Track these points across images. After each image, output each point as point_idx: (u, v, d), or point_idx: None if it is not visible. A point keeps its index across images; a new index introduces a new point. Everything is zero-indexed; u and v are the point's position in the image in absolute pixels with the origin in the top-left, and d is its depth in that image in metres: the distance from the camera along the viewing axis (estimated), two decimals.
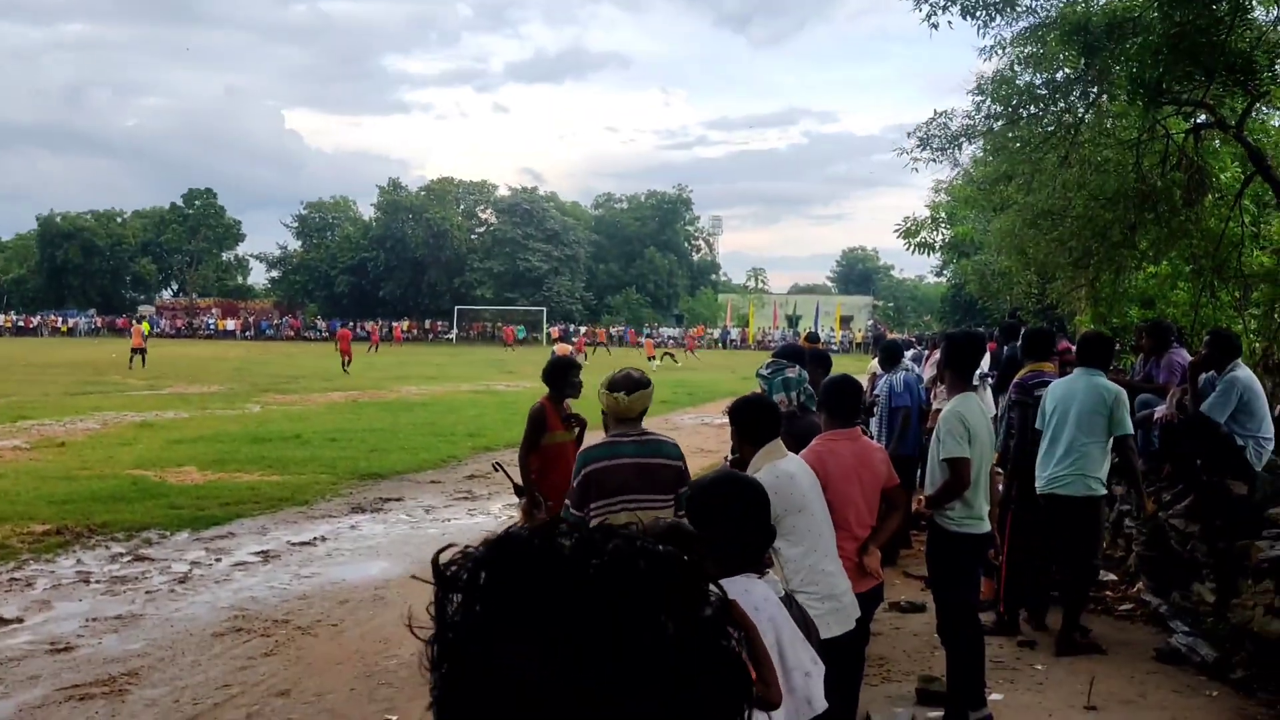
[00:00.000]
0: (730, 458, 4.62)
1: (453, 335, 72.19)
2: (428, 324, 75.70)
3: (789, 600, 2.82)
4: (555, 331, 64.82)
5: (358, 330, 57.21)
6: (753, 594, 2.64)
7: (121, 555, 8.58)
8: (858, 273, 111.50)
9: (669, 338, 71.89)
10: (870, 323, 70.58)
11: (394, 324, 67.38)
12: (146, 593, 7.55)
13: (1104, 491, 6.38)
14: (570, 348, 30.81)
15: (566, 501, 4.45)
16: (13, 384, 25.07)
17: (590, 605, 0.69)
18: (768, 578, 2.81)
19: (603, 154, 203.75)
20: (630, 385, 4.46)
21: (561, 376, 6.58)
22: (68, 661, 6.08)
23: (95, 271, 78.68)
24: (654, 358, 42.63)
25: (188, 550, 8.82)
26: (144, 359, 34.03)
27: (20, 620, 6.78)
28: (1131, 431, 6.45)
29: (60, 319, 69.34)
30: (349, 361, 34.15)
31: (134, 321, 51.88)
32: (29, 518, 9.48)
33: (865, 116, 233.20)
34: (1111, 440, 6.31)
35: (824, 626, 3.92)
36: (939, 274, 34.57)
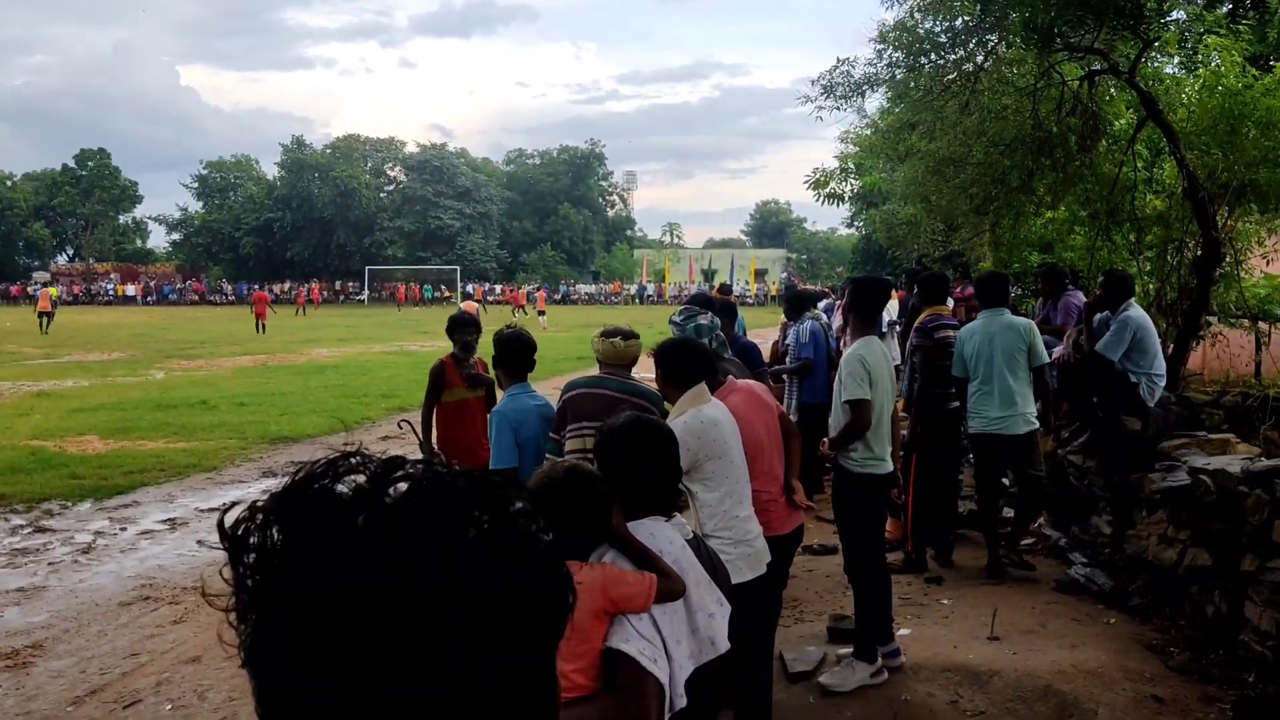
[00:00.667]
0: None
1: (364, 296, 70.92)
2: (338, 285, 74.21)
3: (697, 543, 2.85)
4: (479, 291, 63.85)
5: (271, 293, 55.97)
6: (657, 537, 2.66)
7: (22, 527, 8.31)
8: (771, 226, 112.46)
9: (585, 294, 71.77)
10: (784, 275, 71.32)
11: (302, 286, 65.59)
12: (49, 564, 7.34)
13: (1038, 423, 6.75)
14: (476, 305, 30.56)
15: (551, 434, 4.61)
16: None
17: (386, 533, 0.71)
18: (674, 520, 2.83)
19: (513, 109, 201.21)
20: (625, 335, 4.71)
21: (452, 332, 6.66)
22: None
23: None
24: (543, 312, 42.59)
25: (91, 520, 8.58)
26: (48, 323, 33.20)
27: None
28: (1048, 361, 6.78)
29: None
30: (263, 325, 33.68)
31: (39, 286, 50.08)
32: None
33: (776, 69, 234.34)
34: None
35: (736, 571, 3.98)
36: (850, 225, 35.01)
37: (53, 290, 40.91)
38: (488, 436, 6.44)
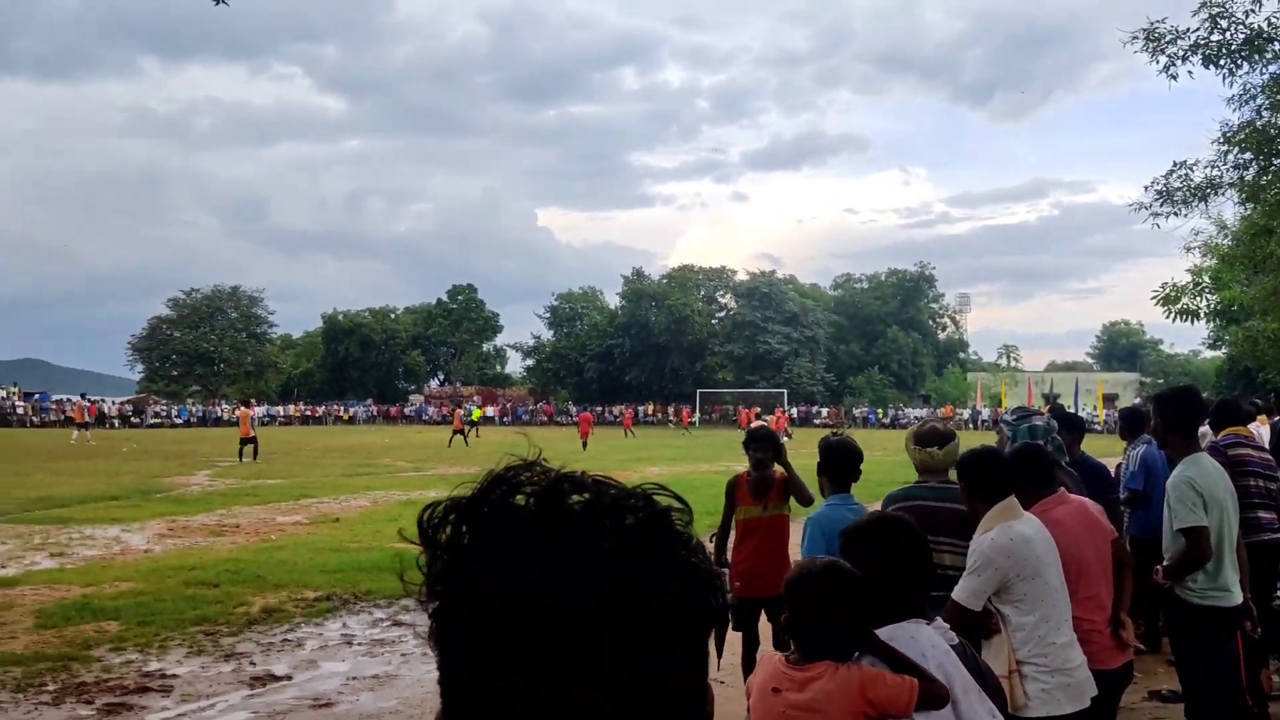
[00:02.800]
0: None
1: (695, 418, 73.08)
2: (670, 408, 77.08)
3: (962, 648, 2.72)
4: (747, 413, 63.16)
5: (604, 415, 59.92)
6: (919, 640, 2.58)
7: (382, 620, 9.23)
8: (1121, 348, 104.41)
9: (914, 418, 69.74)
10: (1137, 400, 65.63)
11: (629, 408, 68.12)
12: (402, 655, 8.08)
13: None
14: (762, 423, 31.26)
15: None
16: (299, 467, 27.61)
17: (548, 538, 0.80)
18: (936, 624, 2.72)
19: (841, 235, 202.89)
20: (941, 440, 4.63)
21: (745, 448, 6.55)
22: (328, 716, 6.62)
23: (372, 364, 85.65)
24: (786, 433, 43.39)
25: None
26: (460, 438, 38.93)
27: (289, 678, 7.44)
28: None
29: (342, 408, 75.62)
30: (585, 443, 37.76)
31: (455, 407, 57.29)
32: (303, 585, 10.39)
33: (1122, 184, 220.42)
34: None
35: (1053, 702, 3.72)
36: (1213, 345, 31.84)
37: (476, 412, 46.27)
38: (785, 557, 6.11)
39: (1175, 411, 4.96)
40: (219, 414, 68.29)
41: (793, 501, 6.47)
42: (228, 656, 7.90)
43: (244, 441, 29.48)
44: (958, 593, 3.77)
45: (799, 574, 2.57)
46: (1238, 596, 4.71)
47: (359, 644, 8.42)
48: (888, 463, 29.58)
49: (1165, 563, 4.83)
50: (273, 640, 8.41)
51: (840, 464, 4.94)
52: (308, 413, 73.72)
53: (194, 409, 69.19)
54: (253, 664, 7.72)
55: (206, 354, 78.54)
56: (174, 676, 7.34)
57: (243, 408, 34.03)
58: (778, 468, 6.37)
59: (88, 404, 48.59)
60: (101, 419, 61.91)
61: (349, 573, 11.12)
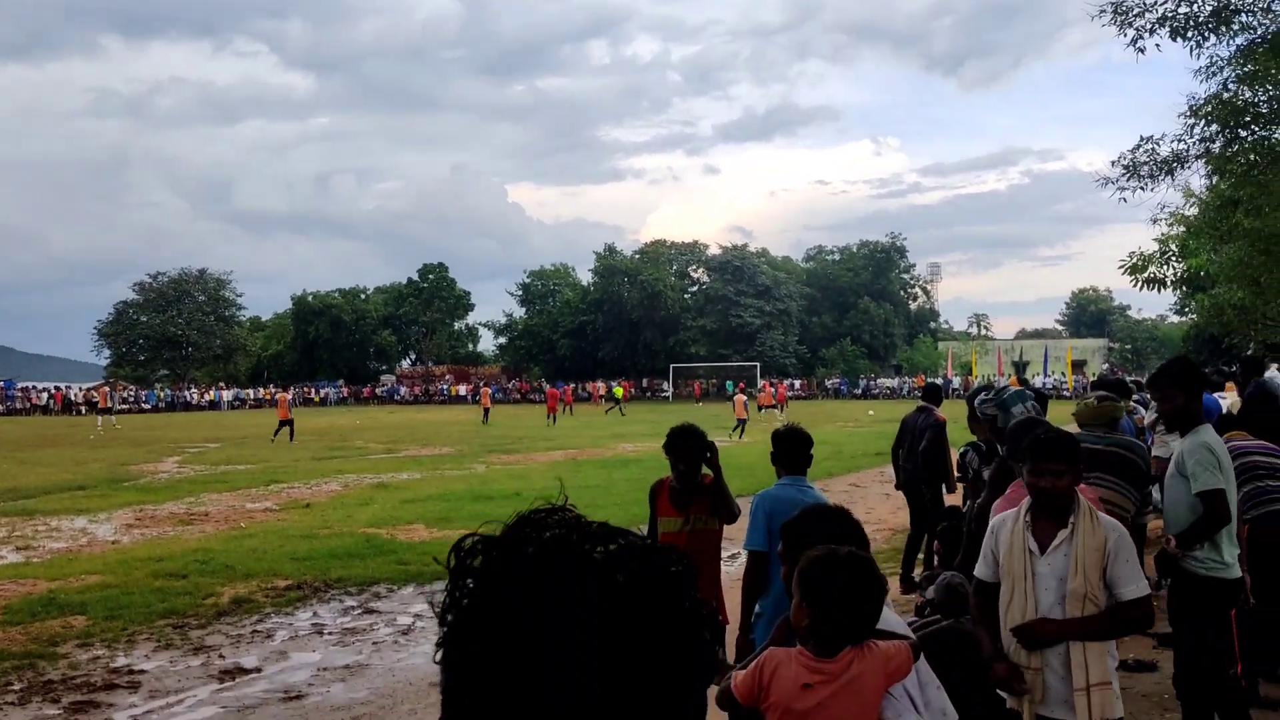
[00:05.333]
0: None
1: (669, 393, 73.23)
2: (644, 382, 77.19)
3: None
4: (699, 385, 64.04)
5: (579, 391, 60.72)
6: (888, 614, 2.67)
7: (353, 609, 9.15)
8: (1090, 315, 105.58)
9: (886, 388, 70.23)
10: (1105, 366, 66.35)
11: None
12: (373, 644, 8.01)
13: None
14: (744, 399, 31.90)
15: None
16: (267, 451, 27.38)
17: (572, 581, 0.84)
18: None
19: (814, 207, 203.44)
20: (1101, 394, 5.14)
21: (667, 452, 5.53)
22: (298, 709, 6.53)
23: (343, 345, 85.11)
24: (772, 406, 45.86)
25: (412, 604, 9.30)
26: (486, 416, 41.56)
27: (259, 670, 7.35)
28: None
29: (313, 390, 75.16)
30: (554, 418, 40.12)
31: (480, 385, 59.03)
32: (274, 574, 10.27)
33: (1092, 151, 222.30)
34: None
35: None
36: (1179, 312, 32.17)
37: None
38: (715, 580, 5.65)
39: (1191, 378, 4.87)
40: (188, 398, 67.70)
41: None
42: (196, 650, 7.80)
43: (282, 423, 31.01)
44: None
45: (825, 568, 2.46)
46: (1238, 570, 4.66)
47: (330, 633, 8.34)
48: (861, 433, 29.82)
49: (1173, 531, 4.74)
50: (242, 632, 8.32)
51: (793, 450, 4.82)
52: (278, 395, 73.14)
53: (162, 394, 68.52)
54: (222, 657, 7.62)
55: (174, 338, 77.73)
56: (142, 672, 7.24)
57: (281, 392, 38.21)
58: (707, 471, 5.44)
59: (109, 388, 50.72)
60: (68, 406, 61.32)
61: (320, 560, 11.01)
